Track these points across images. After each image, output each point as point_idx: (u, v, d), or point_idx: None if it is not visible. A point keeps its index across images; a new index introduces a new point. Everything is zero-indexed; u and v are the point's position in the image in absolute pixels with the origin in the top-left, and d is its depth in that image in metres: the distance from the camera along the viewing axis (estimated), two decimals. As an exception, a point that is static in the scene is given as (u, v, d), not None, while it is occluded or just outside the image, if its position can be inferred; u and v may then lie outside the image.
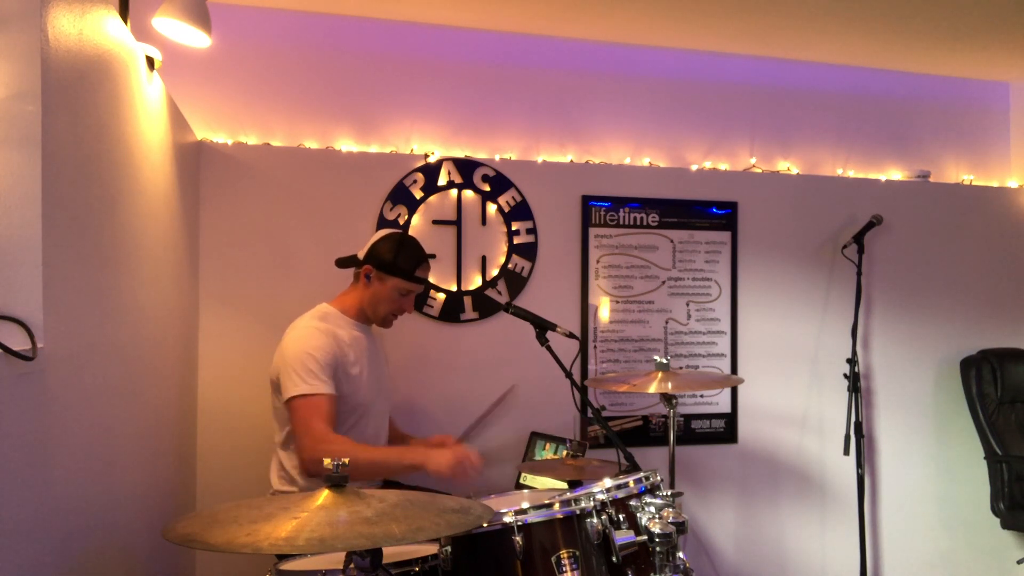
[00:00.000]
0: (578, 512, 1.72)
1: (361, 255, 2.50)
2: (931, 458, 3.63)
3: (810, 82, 3.70)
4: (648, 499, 1.76)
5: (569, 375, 2.36)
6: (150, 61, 2.09)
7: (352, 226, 3.02)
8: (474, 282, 3.16)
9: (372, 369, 2.49)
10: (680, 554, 1.75)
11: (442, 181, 3.14)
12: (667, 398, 2.59)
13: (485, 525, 1.57)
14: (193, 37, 2.29)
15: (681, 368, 3.33)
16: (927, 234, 3.66)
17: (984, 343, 3.67)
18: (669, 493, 1.77)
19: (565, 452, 2.75)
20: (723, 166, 3.52)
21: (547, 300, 3.18)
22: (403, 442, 2.74)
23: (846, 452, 3.30)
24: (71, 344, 1.43)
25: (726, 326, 3.42)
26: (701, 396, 3.38)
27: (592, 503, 1.73)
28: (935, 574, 3.61)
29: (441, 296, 3.12)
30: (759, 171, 3.54)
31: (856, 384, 3.36)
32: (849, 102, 3.74)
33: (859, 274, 3.42)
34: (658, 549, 1.67)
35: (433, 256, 3.05)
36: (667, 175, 3.39)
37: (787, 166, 3.61)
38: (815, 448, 3.49)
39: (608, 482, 1.80)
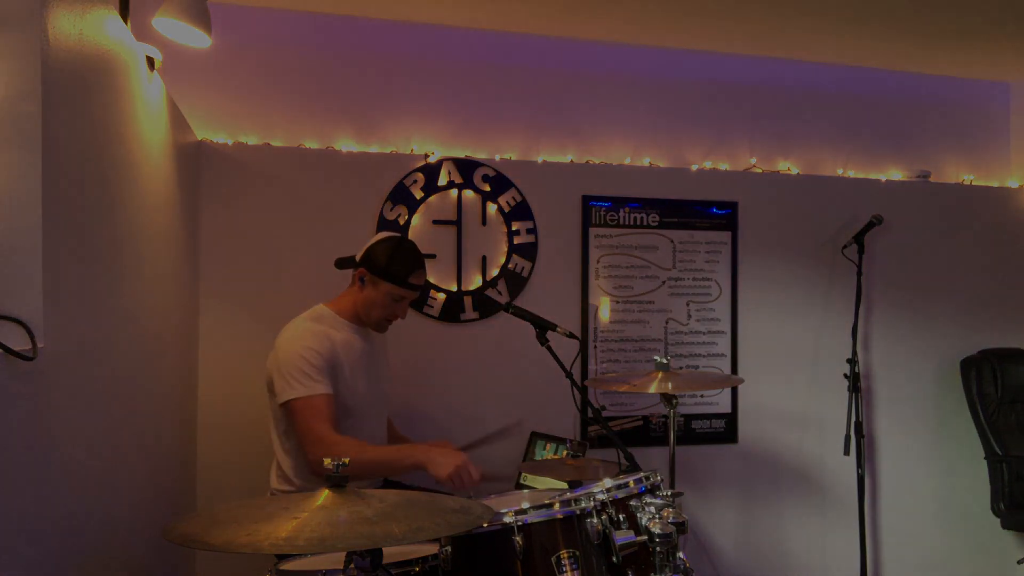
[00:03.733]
0: (578, 512, 1.71)
1: (358, 257, 2.46)
2: (931, 458, 3.63)
3: (810, 82, 3.70)
4: (648, 499, 1.76)
5: (569, 375, 2.36)
6: (150, 61, 2.09)
7: (352, 226, 3.02)
8: (474, 282, 3.16)
9: (367, 372, 2.46)
10: (680, 554, 1.75)
11: (442, 181, 3.14)
12: (667, 398, 2.59)
13: (485, 525, 1.57)
14: (193, 37, 2.29)
15: (681, 368, 3.33)
16: (927, 234, 3.66)
17: (984, 343, 3.66)
18: (669, 493, 1.77)
19: (565, 452, 2.75)
20: (723, 166, 3.52)
21: (547, 300, 3.17)
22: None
23: (846, 452, 3.30)
24: (71, 344, 1.43)
25: (726, 326, 3.42)
26: (701, 396, 3.38)
27: (592, 503, 1.73)
28: (935, 574, 3.61)
29: (441, 296, 3.12)
30: (759, 171, 3.54)
31: (856, 384, 3.35)
32: (849, 102, 3.73)
33: (859, 274, 3.41)
34: (658, 549, 1.67)
35: (433, 256, 3.05)
36: (667, 175, 3.39)
37: (787, 166, 3.61)
38: (815, 448, 3.49)
39: (608, 482, 1.80)
